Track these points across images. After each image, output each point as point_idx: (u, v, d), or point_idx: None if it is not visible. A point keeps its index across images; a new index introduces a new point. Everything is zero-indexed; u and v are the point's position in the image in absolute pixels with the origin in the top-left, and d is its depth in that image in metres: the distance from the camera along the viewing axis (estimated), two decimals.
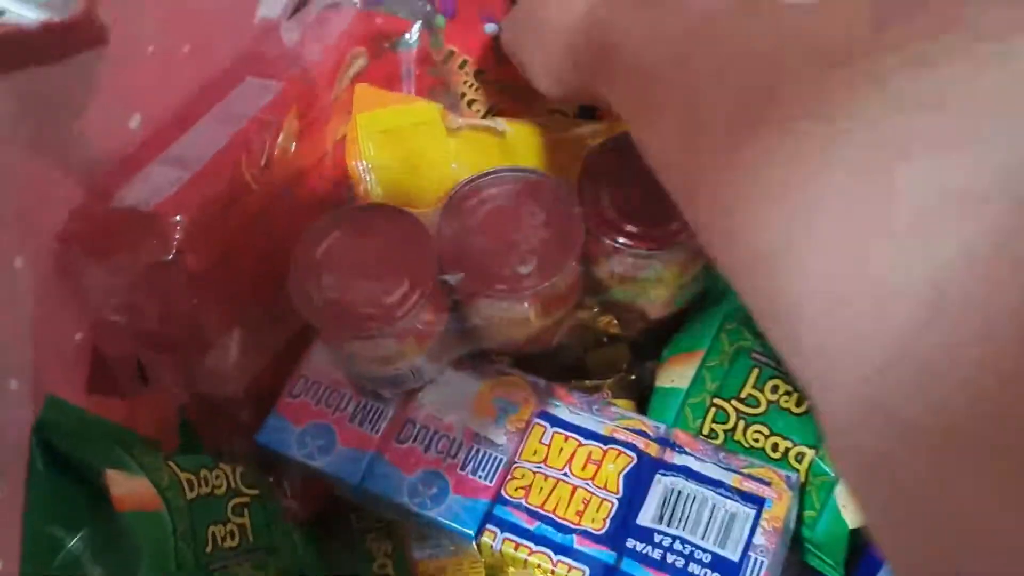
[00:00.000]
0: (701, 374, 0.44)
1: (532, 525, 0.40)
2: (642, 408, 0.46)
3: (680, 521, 0.39)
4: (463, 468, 0.41)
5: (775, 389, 0.43)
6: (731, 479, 0.40)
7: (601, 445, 0.41)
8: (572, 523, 0.40)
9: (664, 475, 0.40)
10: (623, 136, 0.41)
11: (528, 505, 0.40)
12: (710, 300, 0.46)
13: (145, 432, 0.40)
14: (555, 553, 0.39)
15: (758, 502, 0.39)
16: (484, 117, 0.52)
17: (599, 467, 0.41)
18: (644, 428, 0.42)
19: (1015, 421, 0.17)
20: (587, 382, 0.47)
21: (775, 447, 0.42)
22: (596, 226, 0.40)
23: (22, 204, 0.37)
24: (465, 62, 0.53)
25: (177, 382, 0.43)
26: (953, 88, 0.19)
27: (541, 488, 0.41)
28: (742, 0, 0.28)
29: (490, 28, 0.53)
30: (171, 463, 0.38)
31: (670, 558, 0.38)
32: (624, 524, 0.39)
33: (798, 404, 0.43)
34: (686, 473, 0.40)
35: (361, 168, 0.44)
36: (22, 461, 0.36)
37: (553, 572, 0.39)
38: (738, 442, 0.43)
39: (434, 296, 0.39)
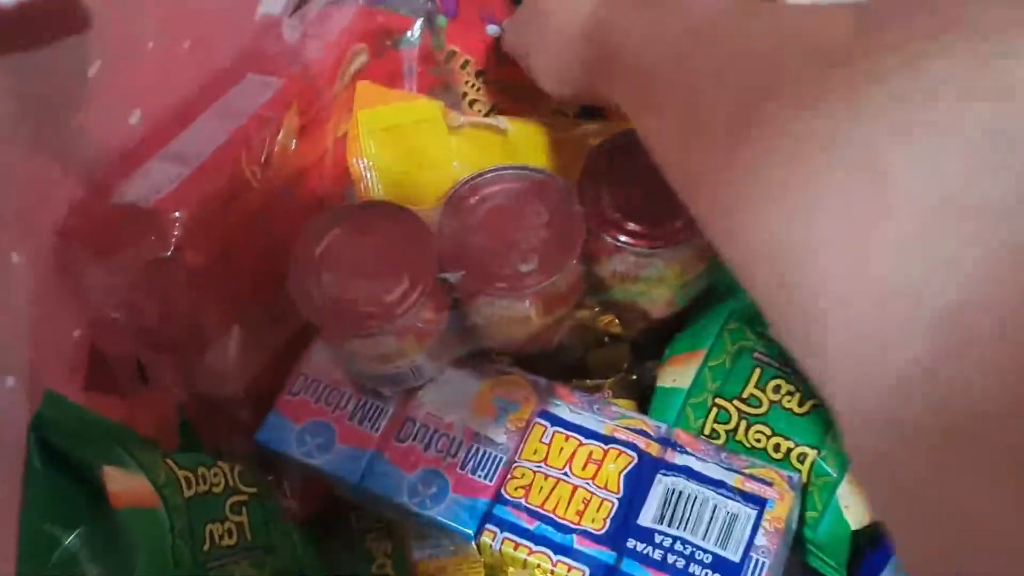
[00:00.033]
0: (703, 374, 0.44)
1: (532, 525, 0.40)
2: (643, 408, 0.46)
3: (681, 521, 0.39)
4: (463, 467, 0.41)
5: (777, 389, 0.43)
6: (732, 479, 0.40)
7: (602, 445, 0.41)
8: (572, 523, 0.40)
9: (665, 475, 0.40)
10: (624, 135, 0.41)
11: (528, 505, 0.40)
12: (712, 299, 0.46)
13: (145, 431, 0.40)
14: (555, 553, 0.39)
15: (760, 503, 0.39)
16: (486, 116, 0.52)
17: (600, 467, 0.41)
18: (645, 428, 0.42)
19: (1015, 421, 0.17)
20: (588, 381, 0.47)
21: (777, 447, 0.42)
22: (597, 225, 0.40)
23: (21, 201, 0.37)
24: (467, 62, 0.53)
25: (177, 381, 0.43)
26: (953, 87, 0.19)
27: (541, 488, 0.41)
28: (742, 0, 0.28)
29: (492, 30, 0.53)
30: (169, 461, 0.38)
31: (671, 558, 0.38)
32: (624, 524, 0.39)
33: (800, 405, 0.42)
34: (687, 473, 0.40)
35: (362, 166, 0.44)
36: (19, 459, 0.36)
37: (553, 572, 0.39)
38: (740, 442, 0.43)
39: (434, 294, 0.39)
